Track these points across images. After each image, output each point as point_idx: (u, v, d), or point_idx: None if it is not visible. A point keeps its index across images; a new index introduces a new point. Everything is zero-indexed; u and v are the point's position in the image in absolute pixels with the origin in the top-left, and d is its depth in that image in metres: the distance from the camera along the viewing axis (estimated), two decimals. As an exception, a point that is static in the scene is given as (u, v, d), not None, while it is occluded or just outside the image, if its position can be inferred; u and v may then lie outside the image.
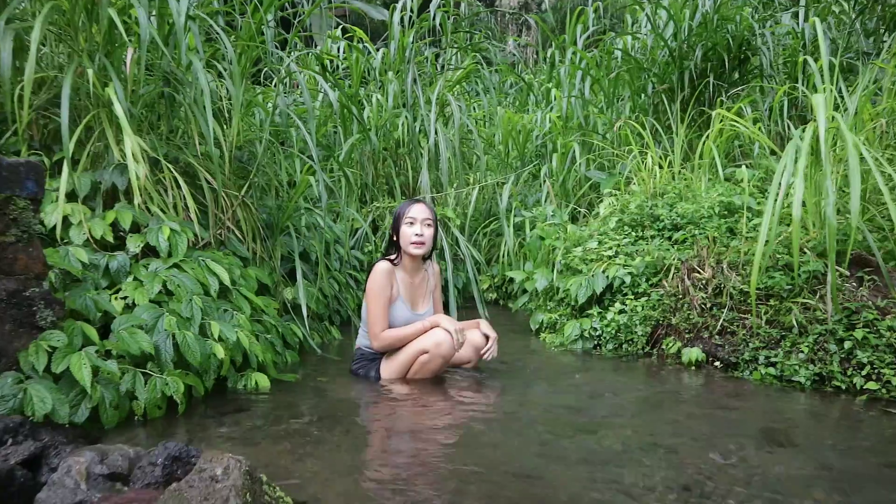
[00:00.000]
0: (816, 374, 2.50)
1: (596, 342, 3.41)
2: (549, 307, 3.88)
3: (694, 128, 4.77)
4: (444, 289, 4.73)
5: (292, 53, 3.48)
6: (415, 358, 2.65)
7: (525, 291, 5.27)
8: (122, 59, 2.89)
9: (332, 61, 6.38)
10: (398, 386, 2.63)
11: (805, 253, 2.80)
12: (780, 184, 2.46)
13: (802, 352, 2.53)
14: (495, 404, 2.39)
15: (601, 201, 4.35)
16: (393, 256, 2.79)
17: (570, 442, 1.97)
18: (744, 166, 3.49)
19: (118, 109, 2.55)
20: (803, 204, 2.90)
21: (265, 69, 5.28)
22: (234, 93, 2.81)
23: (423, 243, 2.72)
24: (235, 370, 2.45)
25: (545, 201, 5.17)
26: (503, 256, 5.35)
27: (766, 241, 2.40)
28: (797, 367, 2.53)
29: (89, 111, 2.80)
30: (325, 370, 2.95)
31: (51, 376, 1.80)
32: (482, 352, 2.79)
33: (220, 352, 2.18)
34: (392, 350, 2.71)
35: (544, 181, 5.35)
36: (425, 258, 2.90)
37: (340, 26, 6.70)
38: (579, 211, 5.02)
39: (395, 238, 2.79)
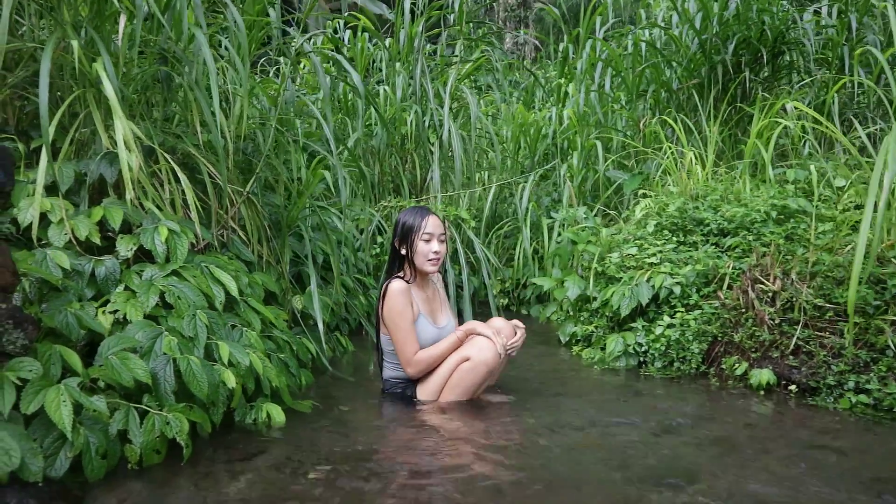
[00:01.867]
0: (921, 404, 2.17)
1: (641, 359, 3.06)
2: (581, 318, 3.52)
3: (729, 125, 4.44)
4: (459, 296, 4.39)
5: (300, 36, 3.10)
6: (455, 367, 2.35)
7: (540, 299, 4.94)
8: (112, 31, 2.51)
9: (335, 50, 6.00)
10: (431, 418, 2.26)
11: (886, 264, 2.47)
12: (880, 184, 2.13)
13: (904, 379, 2.20)
14: (553, 445, 2.00)
15: (636, 203, 4.01)
16: (405, 275, 2.50)
17: (658, 497, 1.61)
18: (811, 167, 3.16)
19: (108, 88, 2.16)
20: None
21: (262, 60, 4.89)
22: (242, 71, 2.42)
23: (439, 260, 2.47)
24: (245, 399, 2.07)
25: (566, 203, 4.82)
26: (517, 260, 5.01)
27: (867, 252, 2.06)
28: (898, 397, 2.20)
29: (74, 91, 2.41)
30: (342, 394, 2.57)
31: (21, 417, 1.41)
32: (508, 349, 2.42)
33: (231, 380, 1.80)
34: (435, 377, 2.43)
35: (564, 182, 5.00)
36: None
37: (347, 14, 6.33)
38: (605, 213, 4.67)
39: (402, 251, 2.49)
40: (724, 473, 1.78)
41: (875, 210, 2.12)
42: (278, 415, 2.04)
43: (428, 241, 2.44)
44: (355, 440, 2.01)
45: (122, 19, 2.12)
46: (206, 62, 2.34)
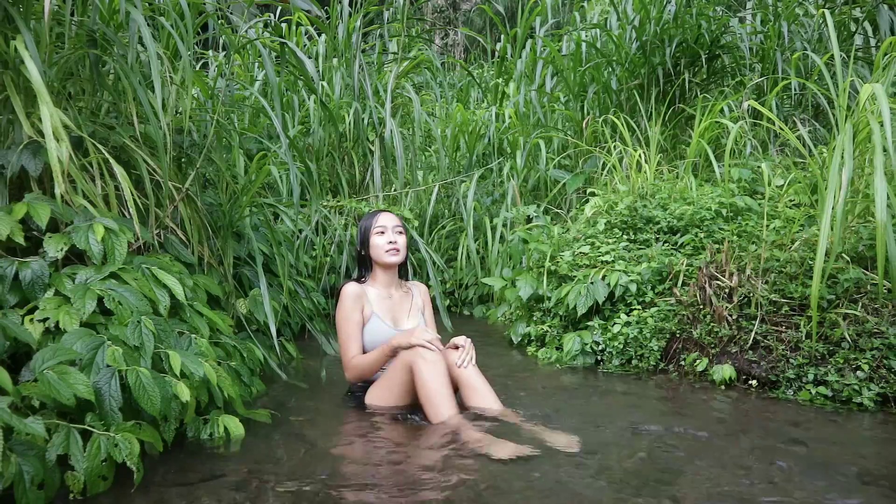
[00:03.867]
0: (879, 394, 2.22)
1: (598, 357, 3.04)
2: (534, 318, 3.47)
3: (670, 127, 4.52)
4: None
5: (246, 23, 2.91)
6: (403, 372, 2.18)
7: (482, 299, 4.89)
8: (34, 8, 2.25)
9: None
10: (393, 428, 2.12)
11: (834, 259, 2.54)
12: (840, 182, 2.17)
13: (862, 370, 2.25)
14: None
15: (585, 201, 4.01)
16: (361, 277, 2.52)
17: (643, 501, 1.56)
18: (762, 165, 3.23)
19: (33, 71, 1.92)
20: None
21: (188, 53, 4.60)
22: (185, 56, 2.22)
23: (398, 250, 2.46)
24: (197, 412, 1.88)
25: (510, 202, 4.78)
26: (459, 261, 4.95)
27: (828, 248, 2.09)
28: (857, 387, 2.24)
29: (-12, 74, 2.15)
30: (296, 404, 2.41)
31: (-61, 446, 1.20)
32: (459, 363, 2.25)
33: (185, 393, 1.62)
34: (380, 380, 2.33)
35: (508, 180, 4.96)
36: (402, 275, 2.61)
37: (279, 8, 6.09)
38: (550, 211, 4.66)
39: (363, 253, 2.50)
40: (703, 472, 1.74)
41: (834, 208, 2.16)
42: (237, 428, 1.86)
43: (382, 233, 2.46)
44: (318, 455, 1.86)
45: (50, -9, 1.88)
46: (143, 45, 2.13)
